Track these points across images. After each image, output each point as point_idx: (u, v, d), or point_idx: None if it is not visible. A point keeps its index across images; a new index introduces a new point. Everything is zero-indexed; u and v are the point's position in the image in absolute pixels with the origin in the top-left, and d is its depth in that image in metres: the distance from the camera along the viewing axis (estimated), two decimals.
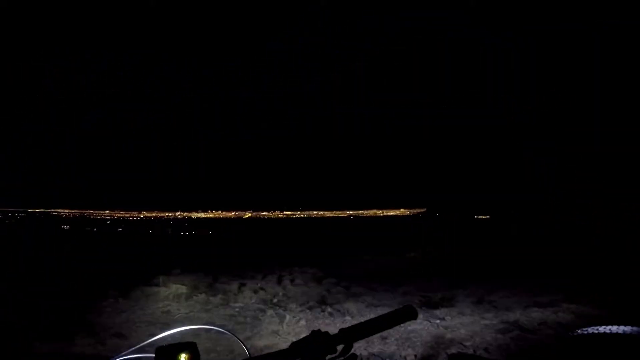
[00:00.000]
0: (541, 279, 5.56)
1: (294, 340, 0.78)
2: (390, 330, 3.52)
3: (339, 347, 0.79)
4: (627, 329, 1.44)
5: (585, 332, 1.53)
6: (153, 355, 0.73)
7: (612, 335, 1.46)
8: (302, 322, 4.08)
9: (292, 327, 4.00)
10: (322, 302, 4.87)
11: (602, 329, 1.49)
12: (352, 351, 0.80)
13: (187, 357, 0.73)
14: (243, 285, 5.70)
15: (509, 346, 3.11)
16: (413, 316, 0.88)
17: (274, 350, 0.79)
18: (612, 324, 1.48)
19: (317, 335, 0.78)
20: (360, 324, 0.84)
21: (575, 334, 1.57)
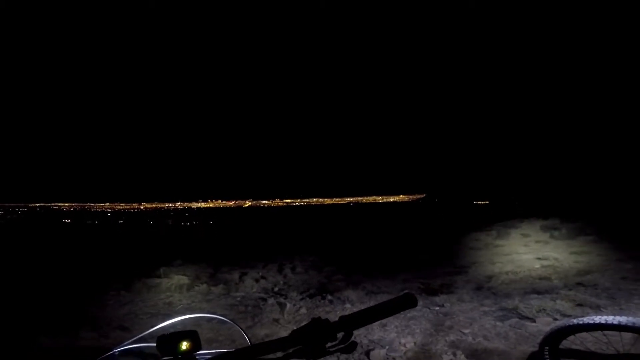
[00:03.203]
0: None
1: (295, 328, 0.78)
2: (390, 318, 3.55)
3: (339, 335, 0.79)
4: (623, 319, 1.44)
5: (581, 322, 1.54)
6: (155, 344, 0.74)
7: (611, 325, 1.46)
8: (303, 310, 4.12)
9: (292, 315, 4.04)
10: (323, 290, 4.91)
11: (597, 319, 1.50)
12: (352, 339, 0.80)
13: (188, 345, 0.74)
14: (244, 274, 5.75)
15: (508, 333, 3.14)
16: (413, 304, 0.88)
17: (274, 338, 0.78)
18: (608, 314, 1.49)
19: (317, 323, 0.78)
20: (361, 311, 0.84)
21: (570, 324, 1.57)
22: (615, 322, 1.45)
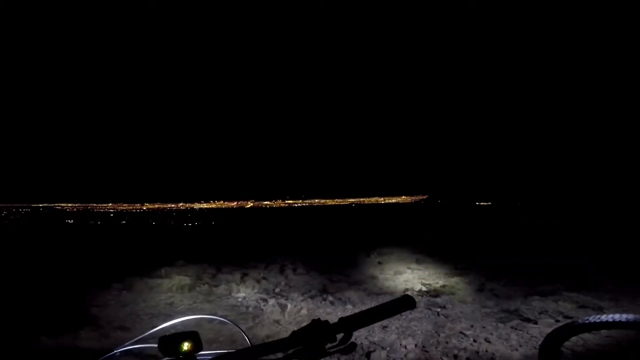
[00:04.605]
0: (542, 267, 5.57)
1: (295, 329, 0.79)
2: (391, 319, 3.54)
3: (339, 336, 0.80)
4: (631, 317, 1.41)
5: (585, 322, 1.51)
6: (156, 345, 0.74)
7: (615, 323, 1.44)
8: (304, 311, 4.11)
9: (293, 316, 4.03)
10: (324, 290, 4.90)
11: (604, 317, 1.47)
12: (351, 340, 0.81)
13: (189, 345, 0.75)
14: (246, 275, 5.74)
15: (510, 335, 3.13)
16: (411, 305, 0.88)
17: (274, 339, 0.79)
18: (614, 312, 1.47)
19: (317, 324, 0.78)
20: (360, 313, 0.84)
21: (577, 323, 1.55)
22: (622, 320, 1.41)
